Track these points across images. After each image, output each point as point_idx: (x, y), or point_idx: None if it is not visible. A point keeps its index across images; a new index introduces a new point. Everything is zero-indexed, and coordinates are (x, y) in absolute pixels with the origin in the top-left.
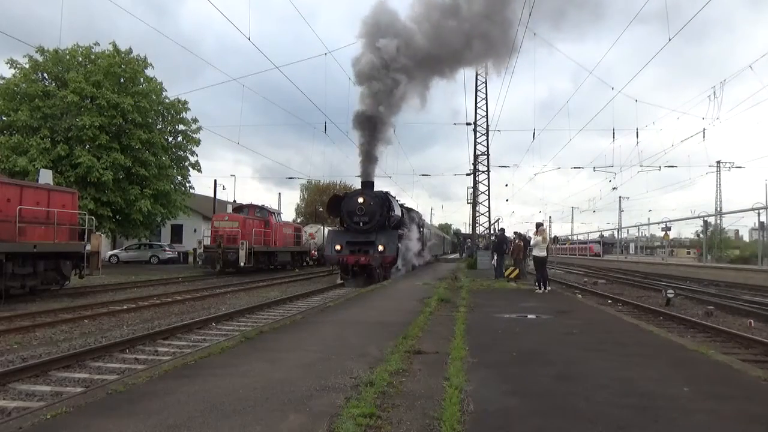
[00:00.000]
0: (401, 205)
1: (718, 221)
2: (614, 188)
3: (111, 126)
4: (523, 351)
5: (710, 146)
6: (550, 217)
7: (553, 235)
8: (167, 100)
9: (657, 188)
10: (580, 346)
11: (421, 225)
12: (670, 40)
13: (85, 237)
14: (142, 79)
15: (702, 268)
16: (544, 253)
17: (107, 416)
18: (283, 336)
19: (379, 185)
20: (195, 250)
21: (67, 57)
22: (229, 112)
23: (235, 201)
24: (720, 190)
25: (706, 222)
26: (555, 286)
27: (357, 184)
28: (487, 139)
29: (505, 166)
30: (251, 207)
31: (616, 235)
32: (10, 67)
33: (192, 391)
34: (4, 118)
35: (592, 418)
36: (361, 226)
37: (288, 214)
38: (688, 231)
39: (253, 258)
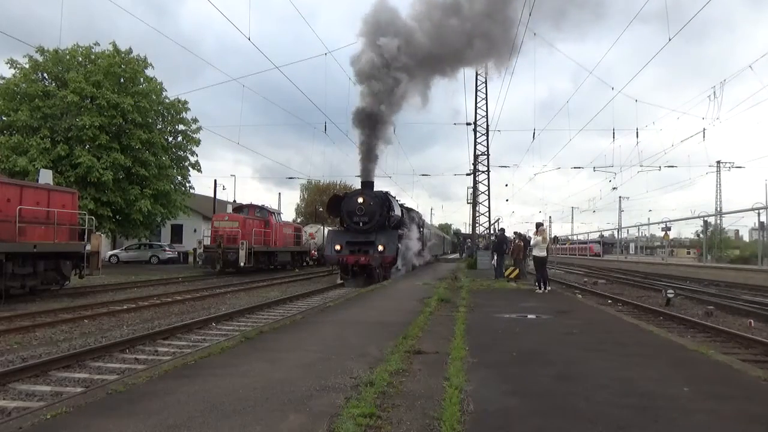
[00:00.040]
0: (401, 205)
1: (718, 221)
2: (614, 188)
3: (111, 126)
4: (523, 351)
5: (710, 146)
6: (550, 217)
7: (553, 235)
8: (167, 100)
9: (657, 188)
10: (580, 346)
11: (421, 225)
12: (670, 40)
13: (85, 237)
14: (142, 79)
15: (702, 268)
16: (544, 253)
17: (107, 416)
18: (283, 336)
19: (379, 185)
20: (195, 250)
21: (67, 57)
22: (229, 112)
23: (235, 201)
24: (720, 190)
25: (706, 222)
26: (555, 286)
27: (357, 184)
28: (487, 139)
29: (505, 166)
30: (251, 207)
31: (616, 235)
32: (10, 67)
33: (192, 391)
34: (4, 118)
35: (592, 418)
36: (361, 226)
37: (288, 214)
38: (688, 231)
39: (253, 258)
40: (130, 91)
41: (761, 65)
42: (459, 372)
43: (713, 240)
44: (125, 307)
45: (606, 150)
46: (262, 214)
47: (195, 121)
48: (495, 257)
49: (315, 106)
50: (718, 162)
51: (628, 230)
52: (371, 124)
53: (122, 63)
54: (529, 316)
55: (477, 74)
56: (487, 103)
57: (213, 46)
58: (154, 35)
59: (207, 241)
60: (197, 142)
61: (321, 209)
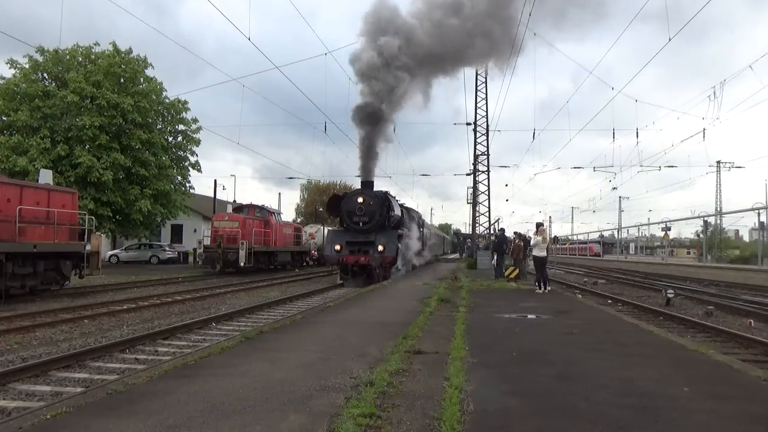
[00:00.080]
0: (401, 205)
1: (718, 221)
2: (614, 188)
3: (111, 126)
4: (523, 351)
5: (710, 146)
6: (550, 217)
7: (553, 235)
8: (167, 100)
9: (657, 188)
10: (580, 346)
11: (421, 225)
12: (670, 40)
13: (85, 237)
14: (142, 79)
15: (702, 268)
16: (544, 253)
17: (107, 416)
18: (283, 336)
19: (379, 185)
20: (195, 250)
21: (67, 57)
22: (229, 112)
23: (235, 201)
24: (720, 190)
25: (706, 222)
26: (555, 286)
27: (357, 184)
28: (487, 139)
29: (505, 166)
30: (251, 207)
31: (616, 235)
32: (10, 67)
33: (192, 391)
34: (4, 118)
35: (592, 418)
36: (360, 226)
37: (288, 214)
38: (688, 231)
39: (253, 258)
40: (130, 91)
41: (761, 65)
42: (459, 372)
43: (713, 240)
44: (125, 307)
45: (606, 150)
46: (262, 214)
47: (195, 121)
48: (495, 257)
49: (315, 106)
50: (718, 162)
51: (628, 230)
52: (372, 121)
53: (122, 63)
54: (529, 316)
55: (477, 74)
56: (487, 103)
57: (213, 46)
58: (154, 35)
59: (207, 241)
60: (197, 142)
61: (321, 209)
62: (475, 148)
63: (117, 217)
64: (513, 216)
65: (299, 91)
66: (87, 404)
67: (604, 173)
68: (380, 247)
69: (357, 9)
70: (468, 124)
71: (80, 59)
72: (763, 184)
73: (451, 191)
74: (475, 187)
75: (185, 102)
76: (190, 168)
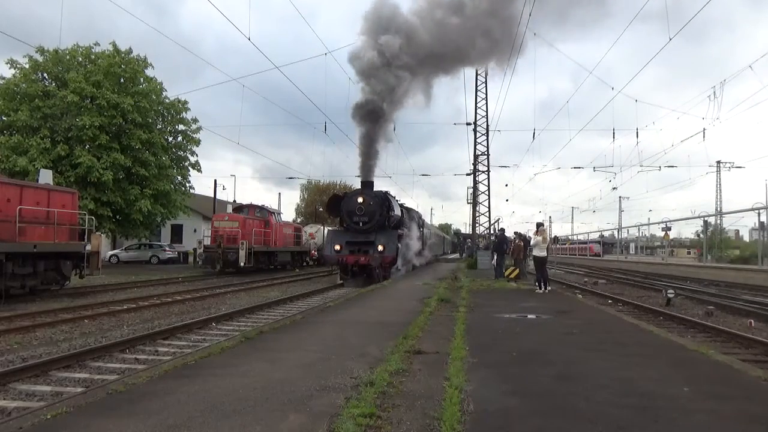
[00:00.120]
0: (401, 205)
1: (718, 221)
2: (614, 188)
3: (111, 126)
4: (523, 351)
5: (710, 146)
6: (550, 217)
7: (553, 235)
8: (167, 100)
9: (657, 188)
10: (580, 346)
11: (421, 225)
12: (670, 40)
13: (85, 237)
14: (142, 79)
15: (702, 268)
16: (544, 253)
17: (107, 416)
18: (283, 336)
19: (379, 185)
20: (195, 250)
21: (67, 57)
22: (229, 112)
23: (235, 201)
24: (720, 190)
25: (706, 222)
26: (555, 286)
27: (357, 184)
28: (487, 139)
29: (505, 166)
30: (251, 207)
31: (616, 235)
32: (10, 67)
33: (192, 391)
34: (4, 118)
35: (592, 418)
36: (360, 226)
37: (288, 214)
38: (688, 231)
39: (253, 258)
40: (130, 91)
41: (761, 65)
42: (459, 372)
43: (713, 240)
44: (125, 307)
45: (606, 150)
46: (262, 214)
47: (195, 121)
48: (495, 257)
49: (315, 106)
50: (718, 162)
51: (628, 230)
52: (372, 119)
53: (122, 63)
54: (529, 316)
55: (477, 74)
56: (487, 103)
57: (213, 46)
58: (154, 35)
59: (207, 241)
60: (197, 142)
61: (321, 209)
62: (475, 148)
63: (117, 217)
64: (513, 216)
65: (299, 91)
66: (87, 404)
67: (604, 173)
68: (380, 247)
69: (357, 9)
70: (468, 124)
71: (80, 59)
72: (763, 184)
73: (451, 191)
74: (475, 187)
75: (185, 102)
76: (190, 168)
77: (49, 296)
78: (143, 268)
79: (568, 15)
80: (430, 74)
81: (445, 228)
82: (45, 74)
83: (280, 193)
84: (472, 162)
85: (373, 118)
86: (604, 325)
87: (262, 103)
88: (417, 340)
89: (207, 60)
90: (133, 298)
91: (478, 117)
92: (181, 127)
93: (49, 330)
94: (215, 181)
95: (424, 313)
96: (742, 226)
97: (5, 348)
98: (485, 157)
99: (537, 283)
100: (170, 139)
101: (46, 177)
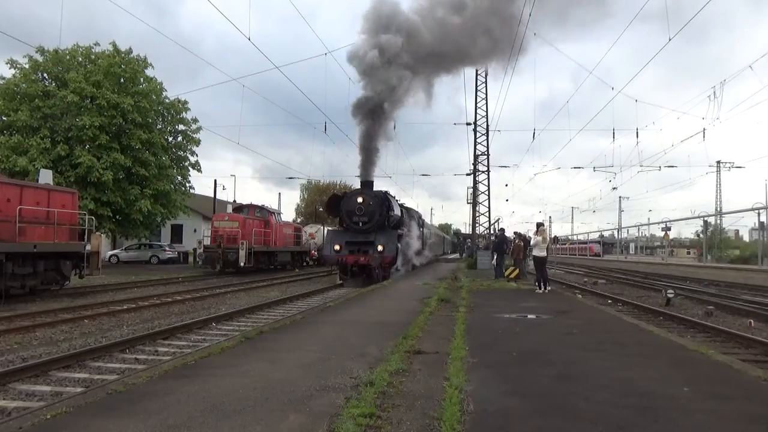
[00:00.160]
0: (401, 205)
1: (718, 221)
2: (614, 188)
3: (111, 126)
4: (523, 351)
5: (710, 146)
6: (550, 217)
7: (553, 235)
8: (167, 100)
9: (657, 188)
10: (580, 346)
11: (421, 225)
12: (670, 40)
13: (85, 237)
14: (142, 79)
15: (702, 268)
16: (544, 253)
17: (107, 416)
18: (283, 336)
19: (379, 185)
20: (195, 250)
21: (67, 57)
22: (229, 112)
23: (235, 201)
24: (720, 190)
25: (706, 222)
26: (555, 286)
27: (357, 184)
28: (487, 139)
29: (505, 166)
30: (251, 207)
31: (616, 235)
32: (10, 67)
33: (192, 391)
34: (4, 118)
35: (592, 418)
36: (360, 226)
37: (288, 214)
38: (688, 231)
39: (253, 258)
40: (130, 91)
41: (761, 65)
42: (459, 372)
43: (713, 240)
44: (125, 307)
45: (606, 150)
46: (262, 214)
47: (195, 121)
48: (495, 257)
49: (315, 106)
50: (718, 162)
51: (628, 230)
52: (373, 116)
53: (122, 63)
54: (529, 316)
55: (477, 74)
56: (487, 103)
57: (213, 46)
58: (154, 35)
59: (207, 241)
60: (197, 142)
61: (321, 209)
62: (475, 148)
63: (117, 217)
64: (513, 216)
65: (299, 91)
66: (87, 404)
67: (604, 173)
68: (380, 247)
69: (357, 9)
70: (468, 124)
71: (80, 59)
72: (763, 184)
73: (451, 191)
74: (475, 187)
75: (185, 102)
76: (190, 168)
77: (49, 296)
78: (143, 268)
79: (568, 15)
80: (431, 73)
81: (445, 228)
82: (45, 74)
83: (280, 193)
84: (472, 162)
85: (373, 116)
86: (604, 325)
87: (262, 103)
88: (417, 340)
89: (207, 60)
90: (132, 298)
91: (478, 117)
92: (181, 127)
93: (49, 330)
94: (215, 181)
95: (424, 313)
96: (742, 226)
97: (5, 348)
98: (485, 157)
99: (537, 283)
100: (170, 139)
101: (46, 177)
